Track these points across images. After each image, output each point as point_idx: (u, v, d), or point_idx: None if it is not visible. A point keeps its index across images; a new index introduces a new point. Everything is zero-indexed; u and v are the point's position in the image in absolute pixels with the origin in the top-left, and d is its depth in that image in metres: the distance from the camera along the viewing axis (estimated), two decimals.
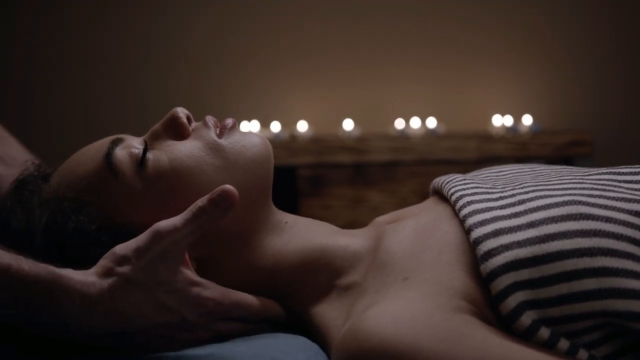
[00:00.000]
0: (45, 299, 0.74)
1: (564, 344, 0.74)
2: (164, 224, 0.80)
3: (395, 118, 2.61)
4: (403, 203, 2.37)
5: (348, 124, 2.53)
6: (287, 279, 0.92)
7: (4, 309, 0.74)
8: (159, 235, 0.80)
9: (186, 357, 0.80)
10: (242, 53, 2.80)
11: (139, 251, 0.79)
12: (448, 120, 2.66)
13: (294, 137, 2.53)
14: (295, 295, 0.92)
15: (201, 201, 0.82)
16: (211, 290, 0.84)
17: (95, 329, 0.77)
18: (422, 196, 2.40)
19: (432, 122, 2.56)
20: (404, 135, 2.52)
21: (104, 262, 0.79)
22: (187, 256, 0.83)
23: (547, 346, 0.74)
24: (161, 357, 0.80)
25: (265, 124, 2.61)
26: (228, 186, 0.82)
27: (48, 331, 0.78)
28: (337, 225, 1.01)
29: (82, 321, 0.76)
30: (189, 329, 0.82)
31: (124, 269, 0.78)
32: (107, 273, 0.78)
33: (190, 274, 0.83)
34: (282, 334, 0.89)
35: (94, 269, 0.78)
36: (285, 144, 2.43)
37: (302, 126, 2.54)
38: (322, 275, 0.91)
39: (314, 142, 2.44)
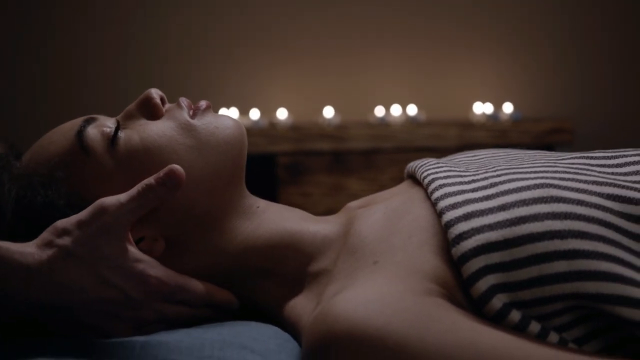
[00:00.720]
0: None
1: (534, 326, 0.74)
2: (109, 199, 0.82)
3: (376, 105, 2.62)
4: (382, 190, 2.37)
5: (328, 112, 2.53)
6: (257, 265, 0.92)
7: None
8: (101, 210, 0.81)
9: (154, 342, 0.79)
10: (222, 40, 2.79)
11: (80, 224, 0.80)
12: (429, 107, 2.66)
13: (274, 124, 2.52)
14: (265, 287, 0.92)
15: (148, 180, 0.84)
16: (156, 269, 0.85)
17: (34, 301, 0.77)
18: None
19: (412, 110, 2.56)
20: (384, 122, 2.52)
21: (44, 234, 0.79)
22: (129, 234, 0.83)
23: (517, 329, 0.74)
24: (129, 342, 0.80)
25: (244, 111, 2.60)
26: (175, 166, 0.84)
27: None
28: (316, 213, 1.02)
29: (20, 292, 0.76)
30: (134, 306, 0.82)
31: (65, 241, 0.78)
32: (47, 244, 0.78)
33: (135, 251, 0.83)
34: (254, 322, 0.89)
35: (34, 241, 0.78)
36: (265, 131, 2.42)
37: (282, 114, 2.54)
38: (291, 262, 0.91)
39: (294, 129, 2.44)
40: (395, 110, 2.55)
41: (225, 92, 2.75)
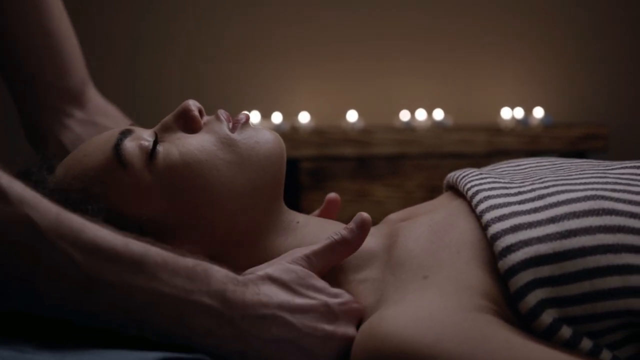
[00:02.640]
0: (204, 276, 0.77)
1: (586, 343, 0.74)
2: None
3: (401, 110, 2.61)
4: (408, 198, 2.38)
5: (352, 116, 2.53)
6: None
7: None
8: (298, 251, 0.88)
9: None
10: (242, 41, 2.79)
11: (278, 260, 0.86)
12: (456, 112, 2.66)
13: (296, 128, 2.52)
14: None
15: (342, 232, 0.88)
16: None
17: (247, 307, 0.78)
18: (428, 190, 2.41)
19: (439, 114, 2.55)
20: (409, 127, 2.51)
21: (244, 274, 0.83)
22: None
23: (568, 346, 0.74)
24: None
25: (266, 115, 2.60)
26: (364, 214, 0.89)
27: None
28: (341, 221, 1.02)
29: (236, 301, 0.78)
30: (334, 319, 0.83)
31: (266, 270, 0.83)
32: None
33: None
34: None
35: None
36: (287, 135, 2.42)
37: (304, 117, 2.54)
38: (337, 275, 0.91)
39: (316, 134, 2.44)
40: (421, 114, 2.55)
41: (246, 95, 2.76)
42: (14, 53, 1.30)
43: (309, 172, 2.42)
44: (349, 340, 0.81)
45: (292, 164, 2.39)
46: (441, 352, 0.71)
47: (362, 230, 0.88)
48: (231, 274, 0.79)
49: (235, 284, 0.78)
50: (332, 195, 1.14)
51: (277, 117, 2.56)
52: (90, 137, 1.29)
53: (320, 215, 1.13)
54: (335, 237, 0.87)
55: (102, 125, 1.36)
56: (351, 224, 0.88)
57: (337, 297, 0.84)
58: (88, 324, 0.77)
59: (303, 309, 0.80)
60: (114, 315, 0.75)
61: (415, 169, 2.43)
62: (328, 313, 0.82)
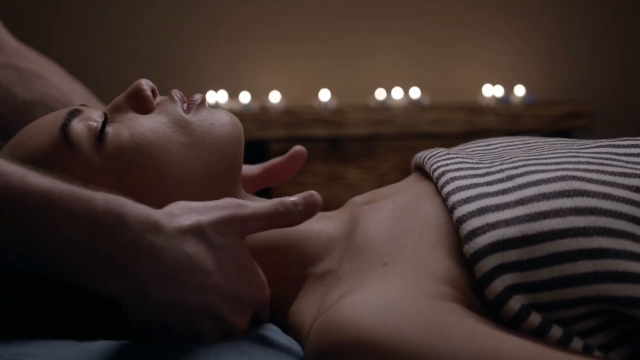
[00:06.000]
0: (114, 225, 0.72)
1: (556, 331, 0.74)
2: (245, 202, 0.81)
3: (376, 89, 2.61)
4: (383, 180, 2.37)
5: (324, 95, 2.52)
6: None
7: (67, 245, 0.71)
8: (238, 207, 0.80)
9: (148, 345, 0.79)
10: (209, 17, 2.77)
11: (214, 209, 0.79)
12: (433, 90, 2.65)
13: (265, 109, 2.51)
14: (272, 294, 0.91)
15: (288, 200, 0.82)
16: (264, 276, 0.84)
17: (162, 265, 0.74)
18: (404, 173, 2.40)
19: (415, 93, 2.55)
20: (385, 107, 2.51)
21: (170, 208, 0.78)
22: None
23: (538, 334, 0.73)
24: (131, 345, 0.79)
25: (234, 95, 2.59)
26: (314, 192, 0.83)
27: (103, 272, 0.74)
28: None
29: (150, 256, 0.73)
30: (241, 310, 0.81)
31: (195, 218, 0.77)
32: (174, 216, 0.77)
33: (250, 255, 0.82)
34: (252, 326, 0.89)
35: (161, 210, 0.77)
36: (256, 116, 2.41)
37: (275, 97, 2.53)
38: (295, 265, 0.90)
39: (287, 114, 2.43)
40: (397, 93, 2.54)
41: (214, 73, 2.74)
42: None
43: (279, 154, 2.39)
44: (235, 328, 0.80)
45: (262, 146, 2.38)
46: (401, 343, 0.70)
47: (308, 211, 0.83)
48: (153, 220, 0.74)
49: (155, 234, 0.74)
50: (299, 148, 1.11)
51: (245, 97, 2.54)
52: (11, 82, 1.25)
53: (280, 167, 1.12)
54: (281, 209, 0.82)
55: (24, 69, 1.30)
56: (300, 200, 0.82)
57: (251, 287, 0.82)
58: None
59: (215, 286, 0.78)
60: (23, 256, 0.72)
61: (390, 151, 2.42)
62: (233, 299, 0.79)
